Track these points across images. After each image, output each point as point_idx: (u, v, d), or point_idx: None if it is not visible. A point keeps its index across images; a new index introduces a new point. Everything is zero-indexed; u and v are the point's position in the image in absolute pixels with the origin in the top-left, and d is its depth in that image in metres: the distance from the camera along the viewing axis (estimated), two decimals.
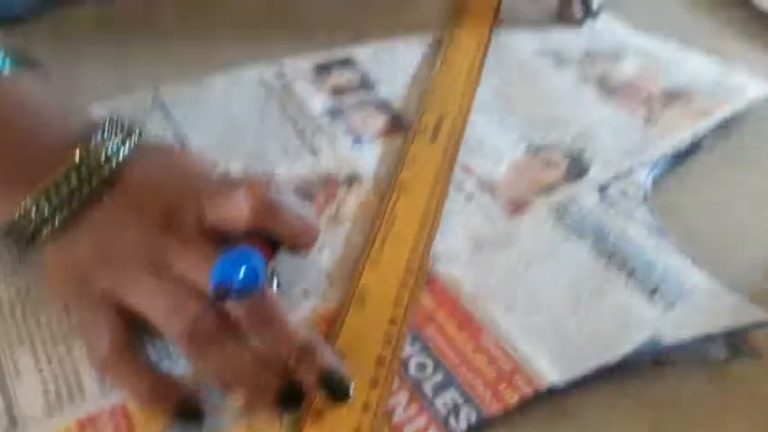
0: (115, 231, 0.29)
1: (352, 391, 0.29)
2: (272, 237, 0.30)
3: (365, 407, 0.28)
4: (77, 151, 0.30)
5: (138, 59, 0.46)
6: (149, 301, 0.28)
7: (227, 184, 0.31)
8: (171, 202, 0.30)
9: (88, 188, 0.29)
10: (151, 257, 0.29)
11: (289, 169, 0.40)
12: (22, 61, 0.33)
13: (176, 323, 0.27)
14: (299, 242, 0.31)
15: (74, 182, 0.29)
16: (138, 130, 0.32)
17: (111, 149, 0.30)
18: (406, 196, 0.38)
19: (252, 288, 0.27)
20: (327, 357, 0.29)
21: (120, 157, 0.30)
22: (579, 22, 0.54)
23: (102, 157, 0.30)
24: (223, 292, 0.26)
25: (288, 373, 0.28)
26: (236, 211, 0.29)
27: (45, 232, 0.29)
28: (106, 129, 0.31)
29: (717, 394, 0.32)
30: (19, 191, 0.29)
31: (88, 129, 0.31)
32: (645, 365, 0.32)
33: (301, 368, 0.28)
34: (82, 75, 0.44)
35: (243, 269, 0.26)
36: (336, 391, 0.28)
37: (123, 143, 0.31)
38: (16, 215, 0.29)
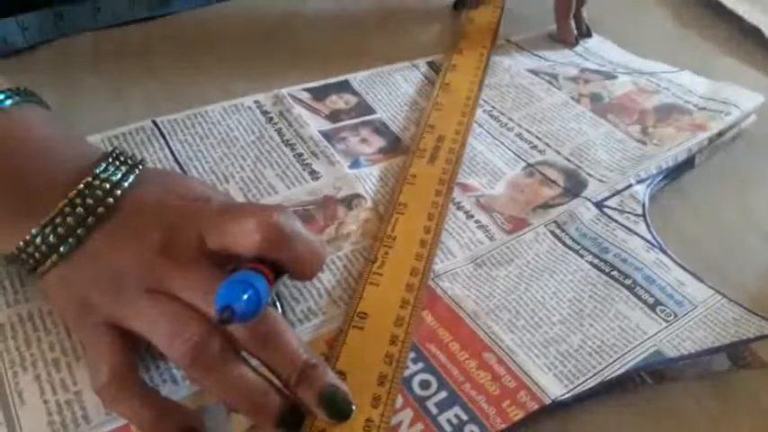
0: (114, 256, 0.29)
1: (353, 411, 0.28)
2: (278, 264, 0.30)
3: (368, 425, 0.28)
4: (82, 182, 0.30)
5: (137, 90, 0.47)
6: (150, 324, 0.28)
7: (232, 209, 0.31)
8: (170, 226, 0.30)
9: (93, 218, 0.30)
10: (150, 280, 0.29)
11: (288, 192, 0.40)
12: (25, 94, 0.34)
13: (179, 346, 0.27)
14: (305, 272, 0.31)
15: (79, 211, 0.29)
16: (140, 161, 0.32)
17: (116, 180, 0.31)
18: (405, 216, 0.38)
19: (255, 313, 0.27)
20: (329, 377, 0.29)
21: (125, 187, 0.31)
22: (574, 42, 0.55)
23: (107, 187, 0.30)
24: (227, 317, 0.26)
25: (289, 394, 0.28)
26: (247, 238, 0.29)
27: (49, 261, 0.29)
28: (110, 160, 0.31)
29: (720, 406, 0.32)
30: (24, 221, 0.30)
31: (92, 160, 0.31)
32: (648, 378, 0.32)
33: (302, 388, 0.28)
34: (80, 105, 0.45)
35: (246, 294, 0.26)
36: (338, 410, 0.28)
37: (127, 174, 0.31)
38: (21, 244, 0.29)
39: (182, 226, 0.30)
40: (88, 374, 0.30)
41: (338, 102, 0.47)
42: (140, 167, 0.32)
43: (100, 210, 0.30)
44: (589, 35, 0.56)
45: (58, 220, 0.29)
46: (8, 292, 0.33)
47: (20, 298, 0.33)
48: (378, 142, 0.44)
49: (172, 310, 0.28)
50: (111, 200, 0.30)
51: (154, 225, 0.30)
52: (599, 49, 0.55)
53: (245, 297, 0.26)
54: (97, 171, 0.31)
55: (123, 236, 0.30)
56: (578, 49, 0.55)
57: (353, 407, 0.28)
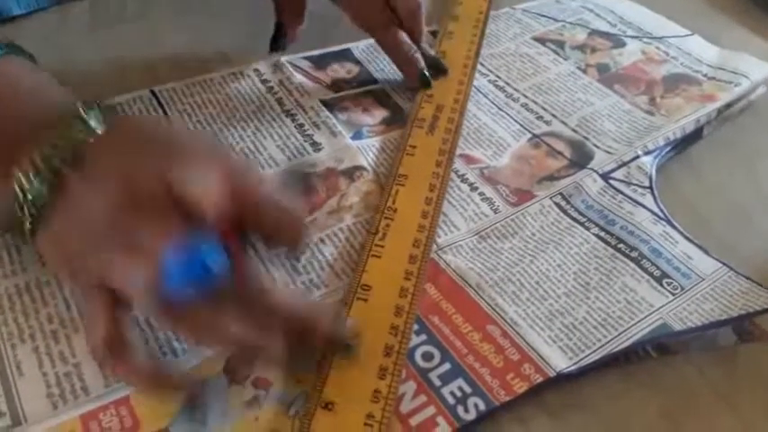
0: (86, 215, 0.28)
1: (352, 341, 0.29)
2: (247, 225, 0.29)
3: (375, 395, 0.28)
4: (56, 130, 0.29)
5: (135, 57, 0.46)
6: (124, 278, 0.27)
7: (194, 163, 0.29)
8: (136, 176, 0.28)
9: (67, 168, 0.28)
10: (120, 235, 0.28)
11: (289, 164, 0.39)
12: (10, 47, 0.33)
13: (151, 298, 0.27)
14: (283, 239, 0.30)
15: (54, 162, 0.28)
16: (115, 109, 0.31)
17: (89, 128, 0.29)
18: (405, 188, 0.38)
19: (207, 283, 0.26)
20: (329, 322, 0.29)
21: (97, 135, 0.29)
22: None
23: (80, 136, 0.29)
24: (175, 294, 0.25)
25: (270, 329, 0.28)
26: (209, 193, 0.27)
27: (32, 220, 0.28)
28: (85, 108, 0.30)
29: (725, 376, 0.31)
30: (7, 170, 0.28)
31: (68, 109, 0.30)
32: (653, 352, 0.32)
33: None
34: (77, 74, 0.44)
35: (194, 269, 0.26)
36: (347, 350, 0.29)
37: (101, 122, 0.30)
38: (12, 195, 0.28)
39: (148, 174, 0.28)
40: (85, 337, 0.29)
41: (340, 71, 0.46)
42: (114, 113, 0.31)
43: (69, 159, 0.28)
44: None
45: (32, 170, 0.28)
46: (5, 263, 0.33)
47: (17, 269, 0.33)
48: (380, 113, 0.44)
49: (142, 262, 0.27)
50: (83, 148, 0.29)
51: (119, 177, 0.28)
52: (609, 3, 0.55)
53: (193, 271, 0.26)
54: (71, 120, 0.29)
55: (92, 193, 0.28)
56: (589, 4, 0.54)
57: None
